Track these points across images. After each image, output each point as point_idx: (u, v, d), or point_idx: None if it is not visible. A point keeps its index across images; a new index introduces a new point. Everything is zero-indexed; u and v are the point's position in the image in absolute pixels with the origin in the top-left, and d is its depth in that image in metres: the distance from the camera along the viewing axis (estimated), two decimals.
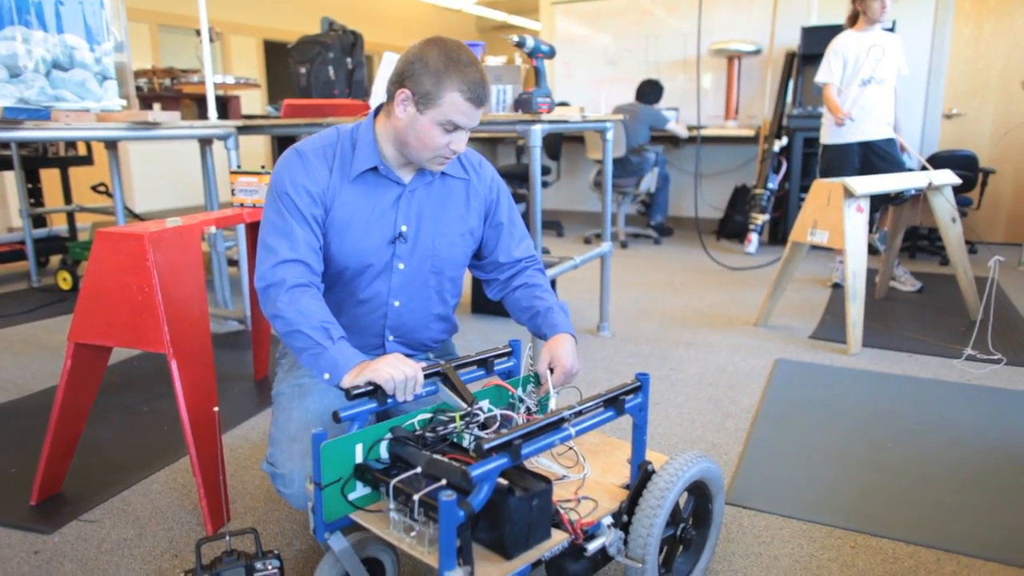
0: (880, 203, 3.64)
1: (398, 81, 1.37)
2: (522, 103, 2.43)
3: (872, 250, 4.30)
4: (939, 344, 2.91)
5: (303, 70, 3.33)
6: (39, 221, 4.65)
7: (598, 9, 6.24)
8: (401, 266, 1.49)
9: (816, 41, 4.79)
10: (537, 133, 2.39)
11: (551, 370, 1.42)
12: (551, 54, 2.53)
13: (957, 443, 2.05)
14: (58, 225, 4.77)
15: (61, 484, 1.83)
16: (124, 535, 1.64)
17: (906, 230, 3.71)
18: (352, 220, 1.44)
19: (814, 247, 3.08)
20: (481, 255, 1.64)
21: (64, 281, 4.07)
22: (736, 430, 2.16)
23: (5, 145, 4.20)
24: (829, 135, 3.75)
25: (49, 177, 4.74)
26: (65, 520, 1.70)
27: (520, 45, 2.42)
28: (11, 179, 5.26)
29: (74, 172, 4.77)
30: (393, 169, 1.46)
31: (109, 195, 3.99)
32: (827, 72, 3.68)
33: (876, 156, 3.68)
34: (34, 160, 4.39)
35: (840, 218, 2.82)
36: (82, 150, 4.68)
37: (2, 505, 1.76)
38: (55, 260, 4.71)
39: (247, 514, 1.71)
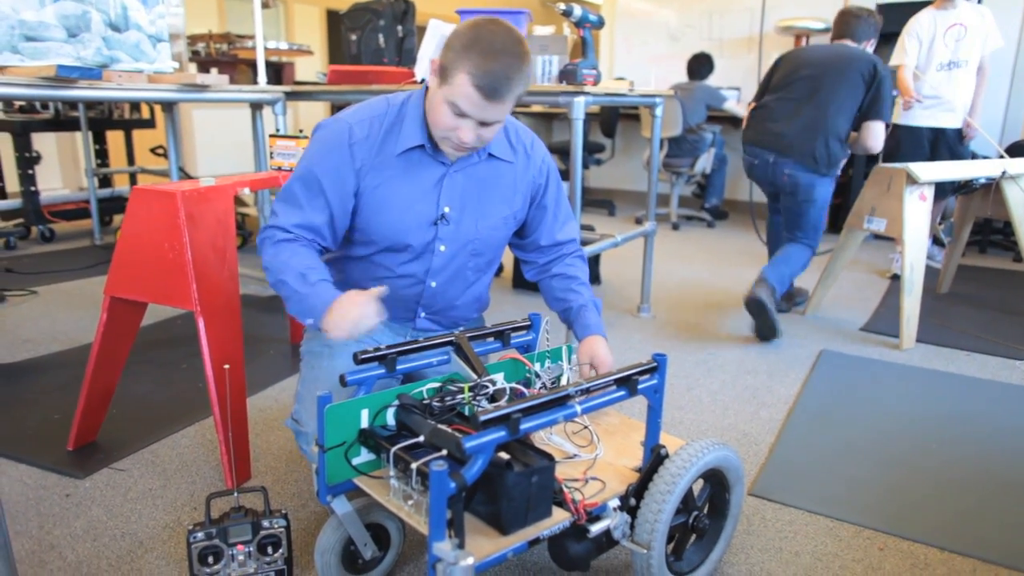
0: (948, 193, 3.44)
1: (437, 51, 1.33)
2: (567, 74, 2.36)
3: (938, 242, 4.08)
4: (1001, 344, 2.74)
5: (354, 37, 3.33)
6: (105, 181, 4.83)
7: None
8: (443, 248, 1.46)
9: (892, 19, 4.50)
10: (580, 105, 2.32)
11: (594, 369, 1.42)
12: (599, 24, 2.45)
13: (1009, 449, 1.93)
14: (121, 186, 4.95)
15: (97, 433, 1.90)
16: (150, 485, 1.69)
17: (980, 223, 3.50)
18: (392, 198, 1.41)
19: (877, 236, 2.94)
20: (523, 234, 1.61)
21: None
22: (770, 420, 2.08)
23: (73, 106, 4.36)
24: (901, 115, 3.56)
25: (114, 139, 4.91)
26: (97, 467, 1.76)
27: (567, 14, 2.35)
28: (80, 140, 5.48)
29: (138, 135, 4.93)
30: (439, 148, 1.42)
31: (167, 157, 4.10)
32: (900, 54, 3.50)
33: (946, 147, 3.47)
34: (100, 122, 4.55)
35: (900, 206, 2.66)
36: (145, 113, 4.82)
37: (43, 448, 1.84)
38: (118, 219, 4.89)
39: (267, 473, 1.74)
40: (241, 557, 1.27)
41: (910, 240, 2.67)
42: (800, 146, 2.79)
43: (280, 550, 1.30)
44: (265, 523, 1.29)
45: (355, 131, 1.39)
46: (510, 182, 1.50)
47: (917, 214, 2.68)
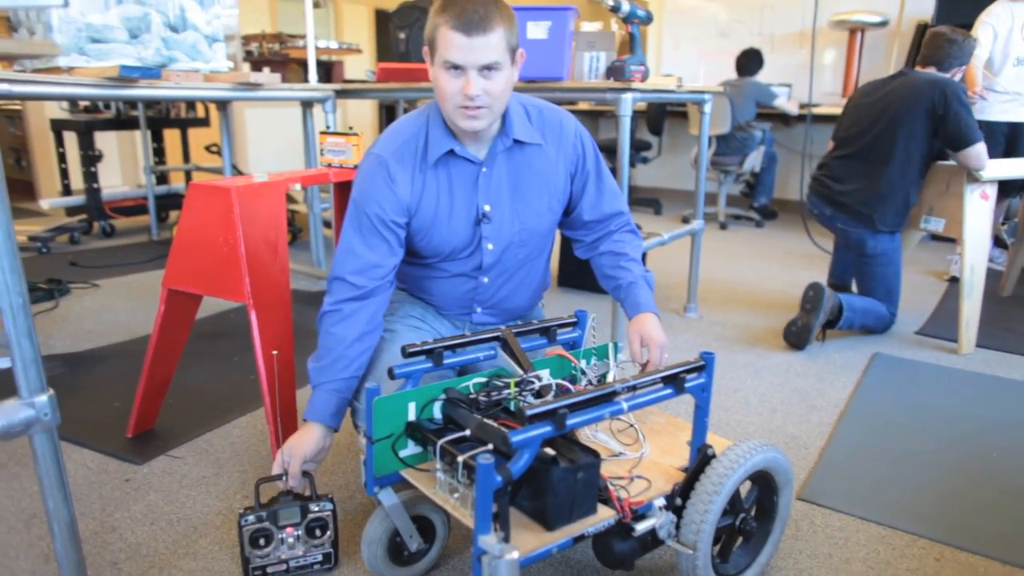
0: (1013, 191, 3.31)
1: None
2: (614, 71, 2.35)
3: (1000, 243, 3.93)
4: None
5: (402, 35, 3.36)
6: (162, 179, 5.00)
7: None
8: (490, 246, 1.47)
9: (953, 11, 4.35)
10: (628, 102, 2.30)
11: (644, 348, 1.42)
12: (647, 20, 2.42)
13: None
14: (177, 183, 5.11)
15: (154, 421, 1.96)
16: (204, 473, 1.74)
17: None
18: (437, 211, 1.43)
19: (934, 237, 2.84)
20: (566, 211, 1.58)
21: None
22: (820, 424, 2.03)
23: (133, 105, 4.51)
24: (974, 110, 3.43)
25: (171, 137, 5.07)
26: (154, 454, 1.82)
27: (615, 10, 2.33)
28: (139, 139, 5.68)
29: (193, 133, 5.08)
30: (466, 147, 1.41)
31: (221, 154, 4.22)
32: None
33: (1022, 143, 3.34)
34: (158, 121, 4.71)
35: (960, 205, 2.57)
36: (200, 112, 4.96)
37: (104, 435, 1.92)
38: (174, 215, 5.05)
39: None
40: (291, 540, 1.30)
41: (970, 241, 2.58)
42: (857, 207, 2.69)
43: (327, 533, 1.33)
44: (313, 506, 1.31)
45: (391, 164, 1.40)
46: (545, 166, 1.48)
47: (978, 213, 2.59)
